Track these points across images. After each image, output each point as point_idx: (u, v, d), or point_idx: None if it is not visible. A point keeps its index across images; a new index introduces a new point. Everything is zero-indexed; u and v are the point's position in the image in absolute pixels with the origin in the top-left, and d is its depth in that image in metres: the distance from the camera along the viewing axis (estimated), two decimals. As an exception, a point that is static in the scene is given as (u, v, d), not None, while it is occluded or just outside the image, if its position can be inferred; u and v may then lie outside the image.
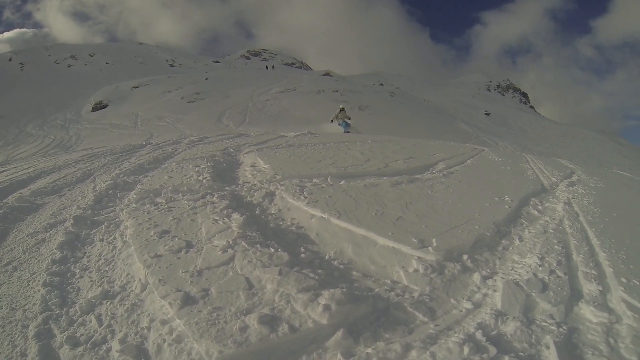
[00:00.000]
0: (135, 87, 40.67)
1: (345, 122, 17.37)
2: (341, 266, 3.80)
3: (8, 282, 3.58)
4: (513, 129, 41.31)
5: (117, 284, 3.48)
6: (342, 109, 18.15)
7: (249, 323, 2.75)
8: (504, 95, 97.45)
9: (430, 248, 3.99)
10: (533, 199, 6.06)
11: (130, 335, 2.82)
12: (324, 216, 4.77)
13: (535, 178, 7.69)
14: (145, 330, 2.85)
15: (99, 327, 2.91)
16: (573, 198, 6.23)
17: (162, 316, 2.95)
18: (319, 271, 3.56)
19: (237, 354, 2.52)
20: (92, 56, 67.96)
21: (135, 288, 3.38)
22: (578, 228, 4.88)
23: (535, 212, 5.44)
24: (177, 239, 4.07)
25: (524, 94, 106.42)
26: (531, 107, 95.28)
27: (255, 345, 2.58)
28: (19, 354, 2.70)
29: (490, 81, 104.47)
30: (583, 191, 6.75)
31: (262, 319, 2.78)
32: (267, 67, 64.35)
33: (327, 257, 3.98)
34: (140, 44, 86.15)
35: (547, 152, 26.99)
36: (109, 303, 3.21)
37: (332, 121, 18.13)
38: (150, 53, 77.19)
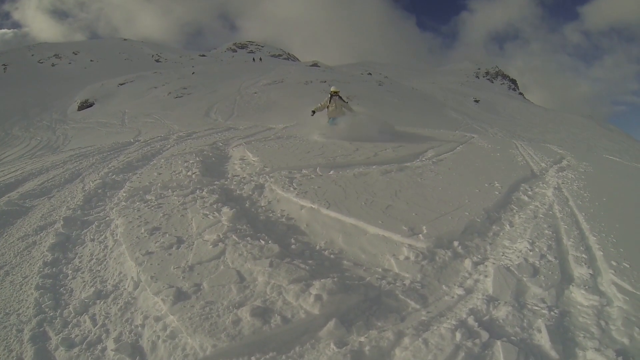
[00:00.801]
0: (121, 84, 40.16)
1: (334, 119, 10.22)
2: (332, 256, 3.82)
3: (0, 286, 3.53)
4: (502, 115, 41.48)
5: (109, 283, 3.46)
6: (335, 94, 10.40)
7: (241, 316, 2.76)
8: (492, 82, 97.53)
9: (420, 235, 4.02)
10: (523, 184, 6.13)
11: (125, 333, 2.81)
12: (313, 207, 4.78)
13: (525, 164, 7.76)
14: (140, 328, 2.85)
15: (94, 327, 2.90)
16: (563, 183, 6.30)
17: (155, 313, 2.95)
18: (310, 262, 3.57)
19: (230, 347, 2.53)
20: (76, 54, 66.96)
21: (128, 286, 3.36)
22: (568, 212, 4.94)
23: (525, 198, 5.50)
24: (167, 235, 4.06)
25: (513, 81, 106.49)
26: (520, 93, 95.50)
27: (249, 338, 2.60)
28: (15, 358, 2.69)
29: (479, 68, 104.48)
30: (573, 176, 6.84)
31: (255, 311, 2.79)
32: (254, 59, 63.74)
33: (317, 247, 4.00)
34: (125, 39, 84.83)
35: (536, 138, 27.16)
36: (102, 302, 3.19)
37: (313, 113, 10.63)
38: (135, 49, 76.12)
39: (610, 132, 39.70)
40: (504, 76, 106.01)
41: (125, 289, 3.35)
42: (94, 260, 3.90)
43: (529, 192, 5.75)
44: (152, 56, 72.69)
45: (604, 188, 6.36)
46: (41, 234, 4.49)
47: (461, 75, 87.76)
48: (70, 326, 2.95)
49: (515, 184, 6.10)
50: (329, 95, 10.46)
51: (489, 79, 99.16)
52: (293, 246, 3.94)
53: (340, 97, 10.55)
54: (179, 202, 4.98)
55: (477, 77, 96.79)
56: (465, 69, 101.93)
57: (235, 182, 5.85)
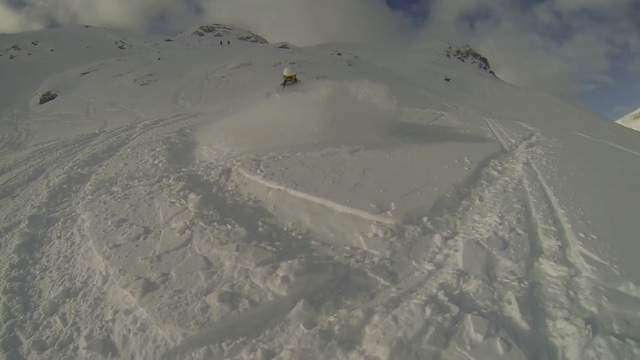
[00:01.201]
0: (84, 74, 38.73)
1: None
2: (299, 237, 3.80)
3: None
4: (473, 93, 41.97)
5: (78, 280, 3.37)
6: (289, 79, 8.55)
7: (209, 302, 2.74)
8: (463, 61, 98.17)
9: (389, 212, 4.03)
10: (493, 160, 6.20)
11: (96, 330, 2.76)
12: (280, 188, 4.75)
13: (495, 140, 7.88)
14: (110, 323, 2.80)
15: (64, 327, 2.84)
16: (532, 158, 6.40)
17: (125, 306, 2.91)
18: (277, 243, 3.55)
19: (200, 334, 2.52)
20: (35, 44, 64.00)
21: (97, 282, 3.29)
22: (537, 187, 5.02)
23: (495, 173, 5.57)
24: (134, 226, 3.99)
25: (484, 60, 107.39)
26: (491, 72, 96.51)
27: (218, 324, 2.59)
28: (-13, 368, 2.61)
29: (450, 47, 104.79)
30: (542, 152, 6.94)
31: (222, 296, 2.77)
32: (221, 42, 62.39)
33: (285, 228, 3.97)
34: (86, 26, 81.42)
35: (507, 116, 27.57)
36: (72, 301, 3.12)
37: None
38: (98, 36, 73.26)
39: (580, 110, 40.64)
40: (475, 55, 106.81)
41: (94, 284, 3.27)
42: (62, 258, 3.78)
43: (499, 167, 5.82)
44: (116, 43, 70.14)
45: (572, 163, 6.46)
46: (6, 236, 4.33)
47: (432, 54, 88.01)
48: (41, 328, 2.88)
49: (485, 159, 6.15)
50: (284, 79, 8.46)
51: (459, 58, 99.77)
52: (260, 229, 3.90)
53: (296, 81, 8.52)
54: (145, 191, 4.88)
55: (448, 55, 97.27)
56: (436, 47, 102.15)
57: (202, 168, 5.77)
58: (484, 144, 7.33)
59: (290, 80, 8.48)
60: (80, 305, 3.04)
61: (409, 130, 8.21)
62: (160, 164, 5.90)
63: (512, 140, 7.96)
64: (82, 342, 2.65)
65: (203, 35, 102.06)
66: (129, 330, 2.67)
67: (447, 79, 46.52)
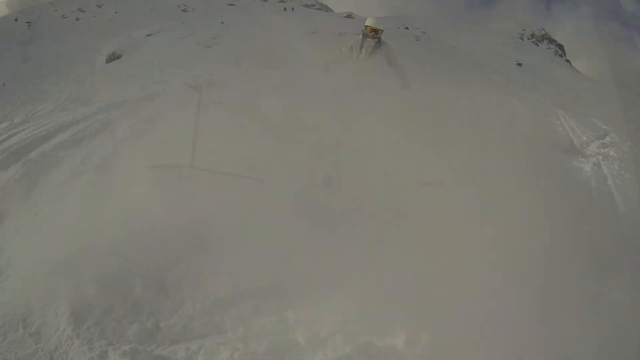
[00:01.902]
0: (148, 35, 39.84)
1: None
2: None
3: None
4: (546, 82, 39.50)
5: None
6: (375, 34, 5.01)
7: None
8: (538, 45, 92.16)
9: None
10: (560, 155, 6.02)
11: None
12: None
13: (565, 135, 7.54)
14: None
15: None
16: (603, 160, 6.09)
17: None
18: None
19: None
20: (100, 7, 66.18)
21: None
22: (605, 192, 4.91)
23: (560, 171, 5.36)
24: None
25: (560, 46, 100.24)
26: (567, 60, 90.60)
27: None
28: None
29: (524, 30, 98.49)
30: (615, 154, 6.53)
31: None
32: (285, 9, 61.92)
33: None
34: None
35: (580, 110, 26.06)
36: None
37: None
38: (160, -2, 75.00)
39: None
40: (551, 40, 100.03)
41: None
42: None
43: (566, 165, 5.68)
44: (179, 6, 71.38)
45: (648, 171, 6.00)
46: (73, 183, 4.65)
47: (504, 36, 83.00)
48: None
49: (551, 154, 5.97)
50: (360, 35, 5.20)
51: (534, 42, 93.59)
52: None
53: (380, 42, 5.16)
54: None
55: (522, 39, 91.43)
56: (509, 29, 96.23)
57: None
58: (552, 137, 7.17)
59: (374, 36, 5.08)
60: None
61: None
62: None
63: (584, 138, 7.59)
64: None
65: (266, 0, 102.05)
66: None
67: (519, 64, 43.95)
